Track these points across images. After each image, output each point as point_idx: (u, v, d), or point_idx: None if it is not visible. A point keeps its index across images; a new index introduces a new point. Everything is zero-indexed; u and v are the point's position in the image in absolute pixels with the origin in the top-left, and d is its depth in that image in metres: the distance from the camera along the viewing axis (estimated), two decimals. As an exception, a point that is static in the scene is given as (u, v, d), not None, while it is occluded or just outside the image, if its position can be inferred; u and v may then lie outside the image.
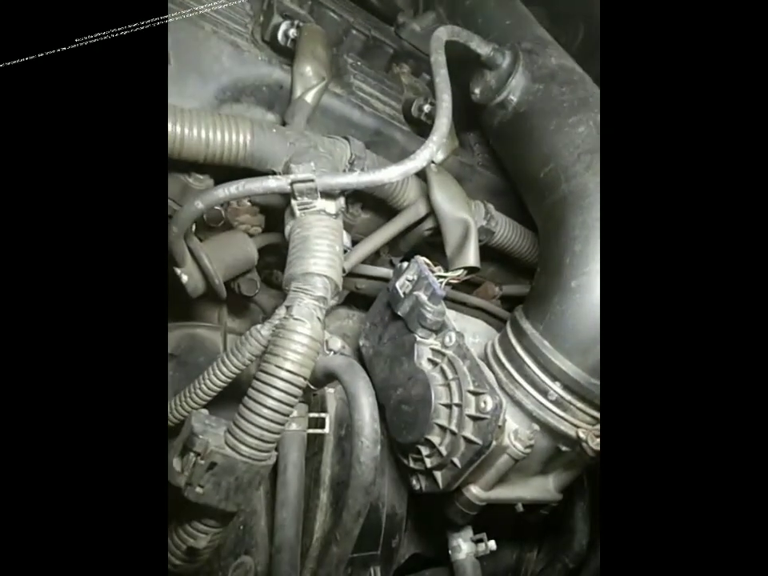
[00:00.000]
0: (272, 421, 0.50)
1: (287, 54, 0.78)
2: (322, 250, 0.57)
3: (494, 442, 0.63)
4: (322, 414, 0.70)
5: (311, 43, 0.77)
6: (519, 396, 0.67)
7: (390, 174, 0.60)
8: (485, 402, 0.62)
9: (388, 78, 0.94)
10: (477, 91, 0.86)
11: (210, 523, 0.50)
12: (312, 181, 0.57)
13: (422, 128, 0.92)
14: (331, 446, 0.74)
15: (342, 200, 0.61)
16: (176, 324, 0.73)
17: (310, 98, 0.73)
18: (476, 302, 0.98)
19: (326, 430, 0.69)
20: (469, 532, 0.75)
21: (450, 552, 0.74)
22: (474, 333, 0.83)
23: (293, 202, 0.59)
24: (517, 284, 1.06)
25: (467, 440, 0.63)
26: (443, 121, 0.63)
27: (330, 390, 0.76)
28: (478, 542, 0.74)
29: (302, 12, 0.85)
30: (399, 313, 0.73)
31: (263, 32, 0.82)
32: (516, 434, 0.65)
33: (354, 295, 0.92)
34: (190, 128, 0.61)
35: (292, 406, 0.52)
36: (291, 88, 0.75)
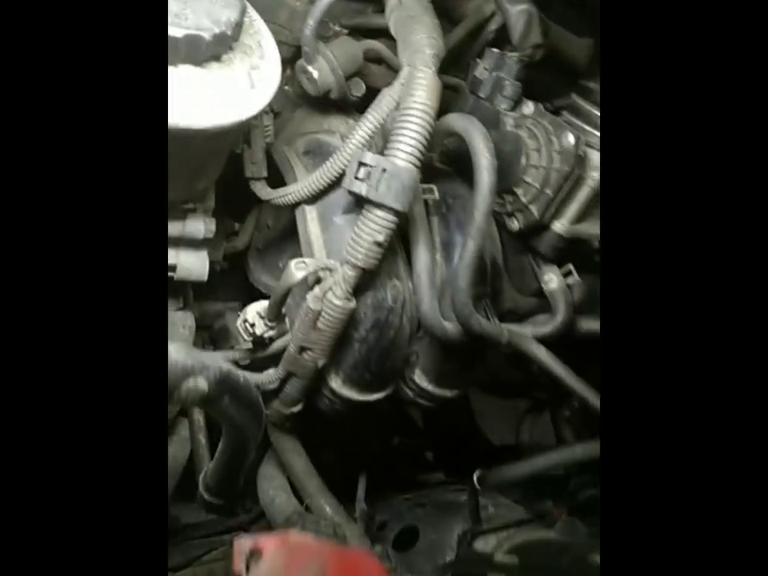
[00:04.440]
0: (419, 141, 0.67)
1: None
2: (428, 23, 0.72)
3: (577, 170, 0.80)
4: (431, 186, 0.87)
5: None
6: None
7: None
8: (566, 137, 0.79)
9: None
10: None
11: (387, 220, 0.68)
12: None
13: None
14: (437, 216, 0.92)
15: (435, -17, 0.76)
16: (301, 133, 0.90)
17: None
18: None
19: (435, 195, 0.86)
20: (556, 269, 0.93)
21: (543, 286, 0.93)
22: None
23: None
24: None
25: (555, 170, 0.80)
26: None
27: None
28: (566, 274, 0.93)
29: None
30: (482, 95, 0.88)
31: None
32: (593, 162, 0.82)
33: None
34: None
35: (430, 134, 0.68)
36: None
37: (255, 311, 0.80)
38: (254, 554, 0.42)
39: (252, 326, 0.80)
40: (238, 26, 0.57)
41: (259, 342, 0.84)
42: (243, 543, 0.42)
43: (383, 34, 0.87)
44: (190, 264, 0.84)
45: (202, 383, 0.45)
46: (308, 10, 0.82)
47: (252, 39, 0.62)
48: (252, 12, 0.68)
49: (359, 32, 0.91)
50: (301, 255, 0.82)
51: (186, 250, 0.82)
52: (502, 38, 0.97)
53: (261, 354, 0.85)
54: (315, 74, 0.80)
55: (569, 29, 1.05)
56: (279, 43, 0.85)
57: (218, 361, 0.62)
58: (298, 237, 0.84)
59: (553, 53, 1.06)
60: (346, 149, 0.74)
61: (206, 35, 0.53)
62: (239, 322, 0.82)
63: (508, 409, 1.35)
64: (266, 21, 0.83)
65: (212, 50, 0.55)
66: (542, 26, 0.94)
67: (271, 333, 0.82)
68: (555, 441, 1.24)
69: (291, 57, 0.88)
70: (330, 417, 0.92)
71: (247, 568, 0.40)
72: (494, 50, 0.88)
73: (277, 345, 0.83)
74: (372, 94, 0.93)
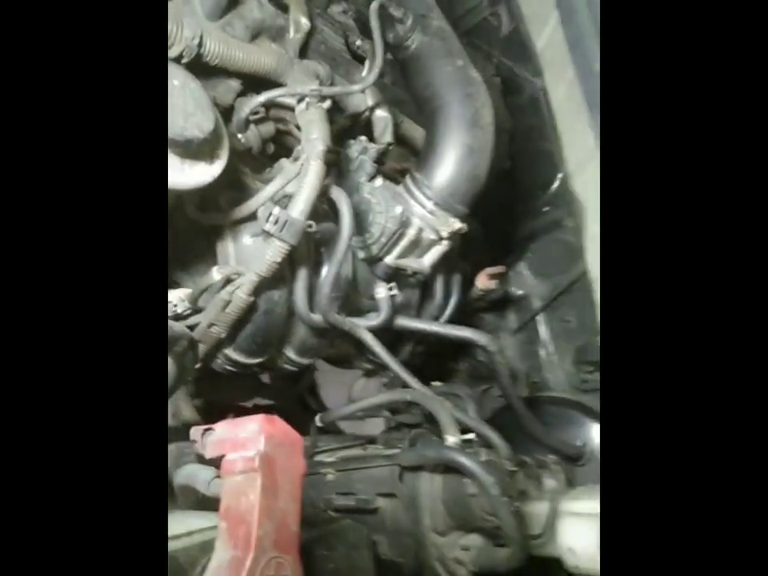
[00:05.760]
0: (308, 203, 1.10)
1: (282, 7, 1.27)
2: (322, 126, 1.15)
3: (401, 229, 1.30)
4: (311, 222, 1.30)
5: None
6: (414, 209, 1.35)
7: (358, 86, 1.18)
8: (396, 208, 1.29)
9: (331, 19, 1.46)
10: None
11: (284, 249, 1.10)
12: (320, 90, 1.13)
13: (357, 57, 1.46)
14: (313, 242, 1.35)
15: (329, 102, 1.19)
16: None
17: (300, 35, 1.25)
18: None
19: (314, 228, 1.30)
20: (385, 284, 1.44)
21: (376, 295, 1.43)
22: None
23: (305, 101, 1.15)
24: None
25: (388, 227, 1.29)
26: (378, 61, 1.22)
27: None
28: (390, 288, 1.44)
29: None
30: (351, 168, 1.34)
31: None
32: (412, 224, 1.33)
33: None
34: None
35: (314, 198, 1.11)
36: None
37: (178, 296, 1.15)
38: (207, 431, 0.80)
39: (175, 306, 1.15)
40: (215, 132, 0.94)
41: (175, 319, 1.18)
42: (198, 427, 0.80)
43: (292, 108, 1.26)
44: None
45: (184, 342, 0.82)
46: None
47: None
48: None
49: (275, 105, 1.30)
50: (216, 262, 1.19)
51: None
52: (368, 128, 1.44)
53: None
54: (242, 139, 1.17)
55: (414, 119, 1.57)
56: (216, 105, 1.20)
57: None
58: (214, 248, 1.20)
59: (403, 139, 1.56)
60: (258, 198, 1.14)
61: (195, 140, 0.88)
62: (165, 302, 1.15)
63: (346, 376, 1.85)
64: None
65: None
66: (393, 126, 1.44)
67: (188, 312, 1.17)
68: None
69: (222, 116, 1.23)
70: (220, 374, 1.30)
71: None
72: (362, 138, 1.34)
73: (191, 320, 1.18)
74: (280, 149, 1.32)
